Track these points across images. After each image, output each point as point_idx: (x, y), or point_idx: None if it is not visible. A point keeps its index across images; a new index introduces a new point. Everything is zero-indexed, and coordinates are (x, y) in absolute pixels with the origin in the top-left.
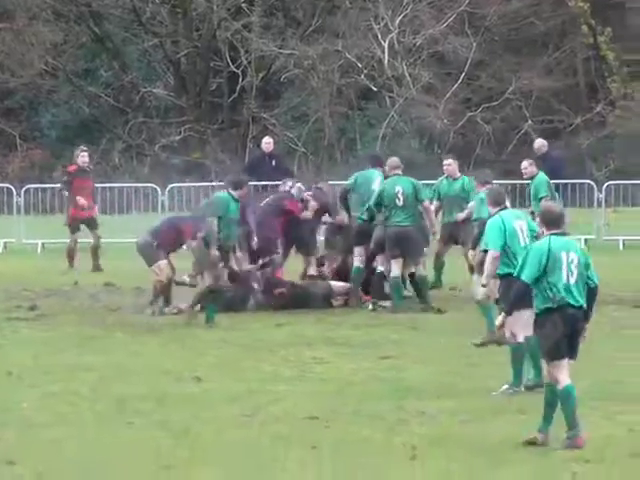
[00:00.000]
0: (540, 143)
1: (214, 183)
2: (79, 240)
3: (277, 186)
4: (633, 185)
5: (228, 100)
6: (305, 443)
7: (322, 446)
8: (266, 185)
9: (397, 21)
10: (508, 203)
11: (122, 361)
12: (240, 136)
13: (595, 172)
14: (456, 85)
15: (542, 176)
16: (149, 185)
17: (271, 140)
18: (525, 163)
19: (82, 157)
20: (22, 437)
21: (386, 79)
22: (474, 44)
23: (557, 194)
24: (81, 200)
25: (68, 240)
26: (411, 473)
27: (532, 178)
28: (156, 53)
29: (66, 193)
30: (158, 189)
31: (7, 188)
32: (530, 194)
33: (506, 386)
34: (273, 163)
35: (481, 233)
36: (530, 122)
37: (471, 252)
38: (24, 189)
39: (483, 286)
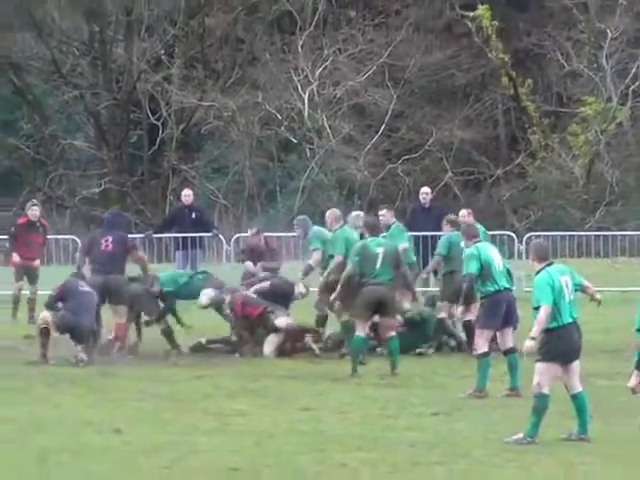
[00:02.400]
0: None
1: (135, 235)
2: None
3: (196, 239)
4: (553, 236)
5: (148, 152)
6: None
7: None
8: (187, 237)
9: (317, 73)
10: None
11: (42, 413)
12: (160, 188)
13: (516, 223)
14: (376, 137)
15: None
16: (69, 237)
17: (191, 192)
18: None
19: (32, 211)
20: None
21: (306, 131)
22: (394, 96)
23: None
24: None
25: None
26: None
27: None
28: (76, 105)
29: (7, 245)
30: (78, 241)
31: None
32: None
33: (521, 435)
34: (193, 215)
35: (470, 289)
36: (450, 174)
37: (461, 308)
38: None
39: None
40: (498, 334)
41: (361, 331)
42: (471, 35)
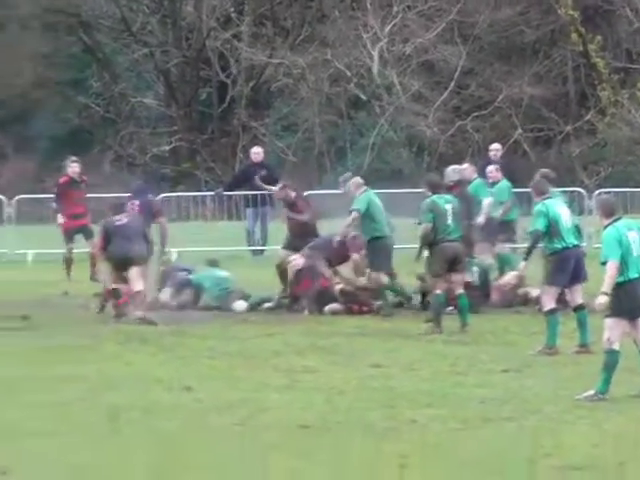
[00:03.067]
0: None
1: (205, 193)
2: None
3: (265, 196)
4: (623, 193)
5: (218, 110)
6: (296, 452)
7: (313, 455)
8: (256, 195)
9: (386, 30)
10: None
11: (112, 371)
12: (230, 146)
13: (586, 180)
14: (446, 94)
15: (505, 182)
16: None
17: (260, 150)
18: (491, 167)
19: (72, 168)
20: (13, 448)
21: (375, 88)
22: (464, 52)
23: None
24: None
25: (64, 250)
26: None
27: (496, 183)
28: (146, 63)
29: (54, 205)
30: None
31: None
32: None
33: (591, 392)
34: (263, 173)
35: (534, 245)
36: (520, 130)
37: (522, 263)
38: (15, 199)
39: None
40: (567, 291)
41: (439, 288)
42: None
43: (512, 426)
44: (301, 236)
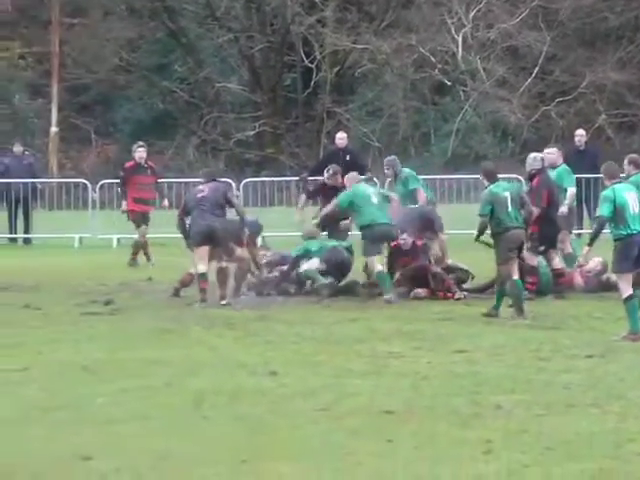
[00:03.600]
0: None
1: (289, 178)
2: (149, 235)
3: None
4: None
5: (302, 95)
6: (380, 437)
7: (397, 440)
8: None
9: (471, 15)
10: None
11: (197, 355)
12: (314, 131)
13: None
14: (530, 79)
15: (564, 167)
16: (224, 180)
17: (345, 135)
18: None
19: (139, 152)
20: (98, 432)
21: (460, 73)
22: (548, 38)
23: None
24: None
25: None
26: (486, 467)
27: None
28: (230, 48)
29: (119, 190)
30: (233, 183)
31: (82, 183)
32: None
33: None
34: (347, 158)
35: (599, 231)
36: (604, 116)
37: (586, 248)
38: (99, 184)
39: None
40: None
41: (514, 274)
42: None
43: (596, 412)
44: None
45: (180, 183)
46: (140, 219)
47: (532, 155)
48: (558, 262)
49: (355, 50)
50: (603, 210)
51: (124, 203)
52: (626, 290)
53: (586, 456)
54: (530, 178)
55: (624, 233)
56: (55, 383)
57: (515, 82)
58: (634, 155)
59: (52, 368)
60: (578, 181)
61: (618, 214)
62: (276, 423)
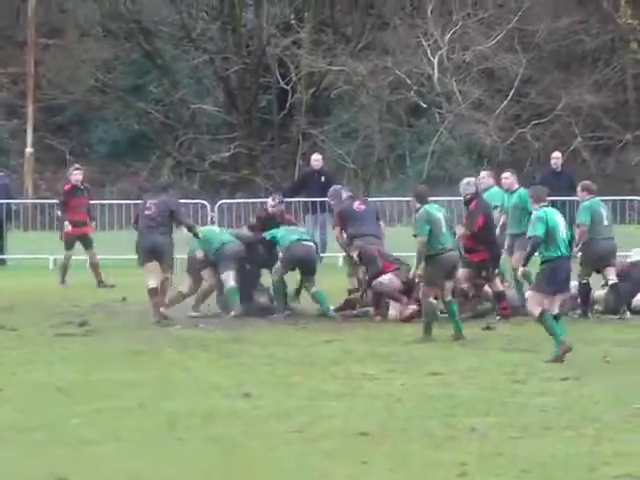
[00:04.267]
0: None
1: (264, 199)
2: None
3: (325, 202)
4: None
5: (278, 117)
6: (355, 459)
7: (372, 462)
8: (315, 202)
9: (447, 38)
10: None
11: (171, 377)
12: (290, 153)
13: None
14: (506, 102)
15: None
16: (198, 201)
17: (320, 157)
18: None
19: (75, 175)
20: (73, 453)
21: (435, 95)
22: (524, 60)
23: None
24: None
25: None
26: None
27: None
28: (206, 69)
29: (59, 213)
30: (207, 205)
31: (56, 204)
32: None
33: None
34: (322, 179)
35: (534, 250)
36: (580, 139)
37: (521, 269)
38: None
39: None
40: (548, 301)
41: (432, 296)
42: (600, 0)
43: (572, 434)
44: None
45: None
46: (73, 241)
47: (465, 180)
48: (499, 284)
49: (331, 72)
50: (537, 230)
51: (66, 224)
52: (535, 310)
53: (561, 479)
54: (466, 203)
55: (554, 255)
56: (29, 404)
57: (491, 104)
58: (587, 182)
59: (26, 389)
60: (554, 203)
61: (550, 236)
62: (250, 445)
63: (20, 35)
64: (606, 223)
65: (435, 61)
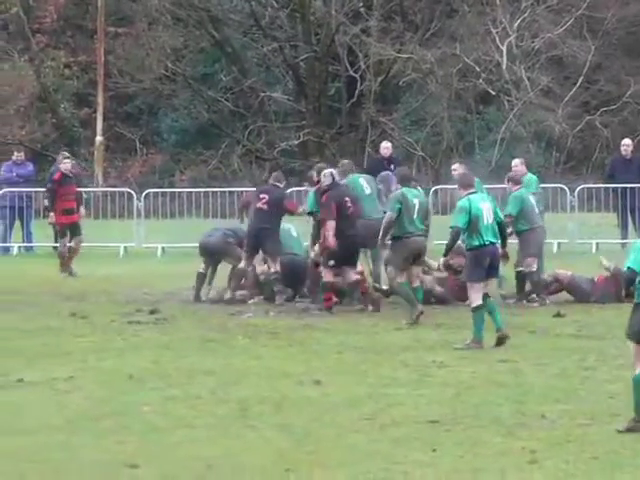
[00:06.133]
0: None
1: None
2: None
3: None
4: None
5: (346, 104)
6: (425, 446)
7: (442, 449)
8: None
9: (515, 25)
10: None
11: (242, 364)
12: (358, 140)
13: None
14: (574, 89)
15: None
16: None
17: (389, 144)
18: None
19: (64, 164)
20: (144, 440)
21: (504, 83)
22: (592, 47)
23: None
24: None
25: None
26: (530, 476)
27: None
28: (275, 57)
29: (46, 202)
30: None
31: (127, 192)
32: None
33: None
34: (392, 167)
35: (454, 241)
36: None
37: (442, 259)
38: (144, 193)
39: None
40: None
41: (401, 279)
42: None
43: None
44: None
45: (224, 192)
46: (67, 229)
47: (324, 172)
48: (353, 276)
49: (399, 59)
50: (458, 220)
51: (51, 215)
52: (475, 300)
53: (630, 465)
54: (321, 193)
55: (476, 243)
56: (101, 392)
57: (559, 92)
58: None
59: (98, 377)
60: (624, 190)
61: (472, 224)
62: (320, 432)
63: (90, 24)
64: None
65: (504, 48)
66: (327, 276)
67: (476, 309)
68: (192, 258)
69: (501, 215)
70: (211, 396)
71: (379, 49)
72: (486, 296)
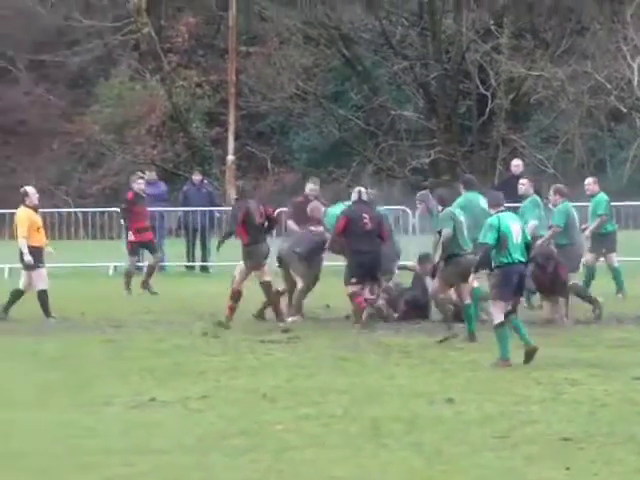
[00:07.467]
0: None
1: None
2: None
3: None
4: None
5: (477, 122)
6: (559, 464)
7: (576, 467)
8: (518, 207)
9: None
10: None
11: (374, 383)
12: (489, 158)
13: None
14: None
15: (602, 195)
16: (400, 207)
17: (520, 162)
18: (589, 180)
19: (138, 184)
20: (277, 459)
21: (635, 100)
22: None
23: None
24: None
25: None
26: None
27: (594, 196)
28: (406, 76)
29: (122, 221)
30: (409, 211)
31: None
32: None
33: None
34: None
35: (484, 258)
36: None
37: (472, 275)
38: (276, 212)
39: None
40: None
41: (444, 293)
42: None
43: None
44: None
45: None
46: (138, 248)
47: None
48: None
49: (530, 77)
50: (488, 237)
51: (130, 233)
52: (498, 317)
53: None
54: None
55: (505, 261)
56: (234, 410)
57: None
58: (559, 185)
59: (231, 395)
60: None
61: (501, 242)
62: (453, 450)
63: (221, 43)
64: None
65: (635, 65)
66: (350, 289)
67: (498, 327)
68: (326, 278)
69: (529, 236)
70: (344, 414)
71: (510, 67)
72: (511, 313)
